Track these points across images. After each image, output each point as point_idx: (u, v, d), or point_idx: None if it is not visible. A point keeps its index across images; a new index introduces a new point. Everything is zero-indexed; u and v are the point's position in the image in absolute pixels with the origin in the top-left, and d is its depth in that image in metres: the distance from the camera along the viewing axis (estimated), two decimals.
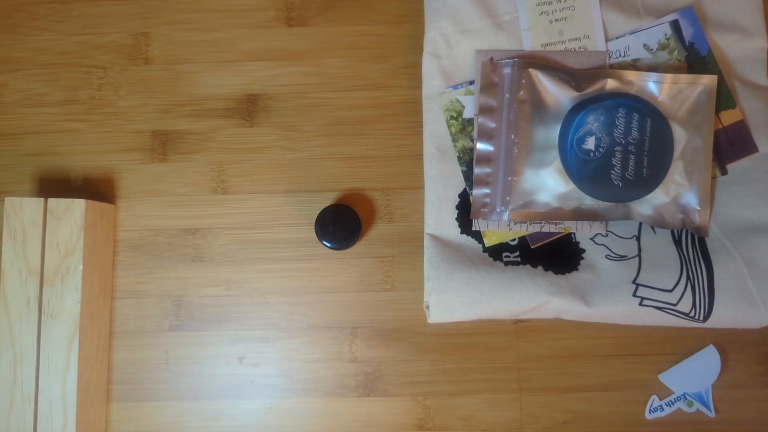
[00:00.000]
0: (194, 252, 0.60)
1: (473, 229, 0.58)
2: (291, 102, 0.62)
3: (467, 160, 0.59)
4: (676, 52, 0.58)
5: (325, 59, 0.62)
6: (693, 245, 0.57)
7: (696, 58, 0.58)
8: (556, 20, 0.59)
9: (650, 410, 0.58)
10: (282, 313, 0.60)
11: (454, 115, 0.59)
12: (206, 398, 0.59)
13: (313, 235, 0.60)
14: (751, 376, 0.58)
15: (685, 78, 0.57)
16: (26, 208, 0.55)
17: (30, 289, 0.55)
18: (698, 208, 0.56)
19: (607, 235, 0.58)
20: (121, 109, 0.62)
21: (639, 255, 0.57)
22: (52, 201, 0.55)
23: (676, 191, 0.56)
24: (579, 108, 0.56)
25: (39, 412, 0.54)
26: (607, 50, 0.59)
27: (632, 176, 0.56)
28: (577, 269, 0.57)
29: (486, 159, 0.57)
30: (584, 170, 0.56)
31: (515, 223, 0.57)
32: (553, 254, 0.57)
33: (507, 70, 0.57)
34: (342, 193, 0.61)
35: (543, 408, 0.58)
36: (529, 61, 0.57)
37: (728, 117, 0.58)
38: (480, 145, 0.57)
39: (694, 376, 0.58)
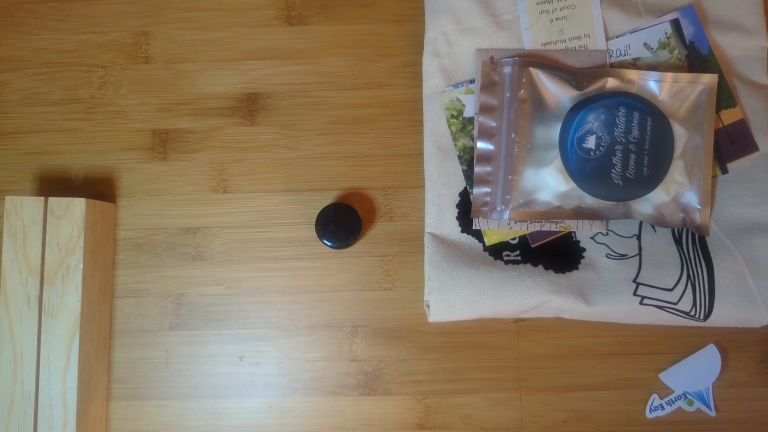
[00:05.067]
0: (194, 251, 0.60)
1: (474, 228, 0.58)
2: (291, 101, 0.62)
3: (468, 159, 0.59)
4: (676, 51, 0.58)
5: (325, 58, 0.62)
6: (693, 244, 0.57)
7: (696, 57, 0.58)
8: (557, 19, 0.59)
9: (651, 409, 0.58)
10: (282, 312, 0.60)
11: (455, 114, 0.59)
12: (206, 397, 0.59)
13: (314, 234, 0.60)
14: (752, 375, 0.58)
15: (685, 77, 0.57)
16: (27, 207, 0.55)
17: (30, 288, 0.55)
18: (699, 207, 0.56)
19: (607, 234, 0.58)
20: (122, 108, 0.62)
21: (639, 254, 0.57)
22: (52, 200, 0.55)
23: (677, 190, 0.56)
24: (579, 107, 0.56)
25: (39, 411, 0.54)
26: (608, 49, 0.59)
27: (633, 175, 0.56)
28: (577, 268, 0.57)
29: (486, 158, 0.57)
30: (585, 169, 0.56)
31: (516, 222, 0.57)
32: (554, 253, 0.57)
33: (507, 69, 0.57)
34: (342, 192, 0.61)
35: (543, 407, 0.58)
36: (529, 60, 0.57)
37: (729, 116, 0.58)
38: (480, 144, 0.57)
39: (695, 375, 0.58)
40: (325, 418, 0.59)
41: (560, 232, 0.58)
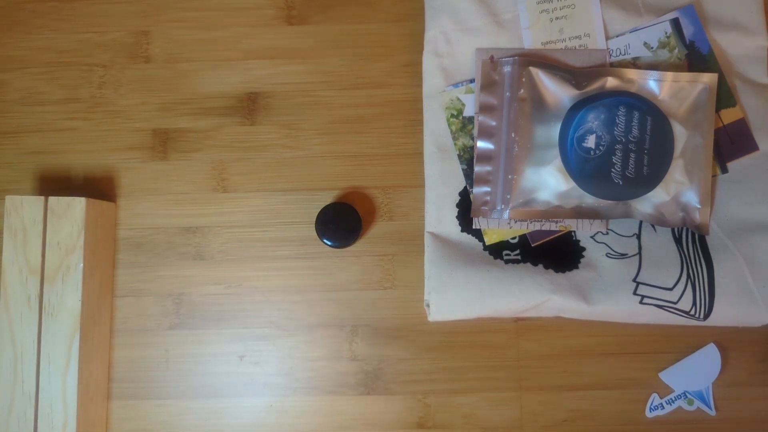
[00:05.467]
0: (195, 250, 0.60)
1: (474, 227, 0.58)
2: (291, 100, 0.62)
3: (468, 158, 0.59)
4: (676, 51, 0.58)
5: (325, 57, 0.62)
6: (693, 243, 0.57)
7: (696, 57, 0.58)
8: (557, 18, 0.59)
9: (651, 408, 0.58)
10: (282, 311, 0.60)
11: (455, 113, 0.59)
12: (206, 396, 0.59)
13: (314, 233, 0.60)
14: (752, 375, 0.58)
15: (685, 76, 0.57)
16: (27, 207, 0.55)
17: (30, 288, 0.55)
18: (699, 206, 0.56)
19: (607, 234, 0.58)
20: (122, 107, 0.62)
21: (639, 253, 0.57)
22: (52, 199, 0.55)
23: (677, 189, 0.56)
24: (579, 106, 0.56)
25: (39, 411, 0.54)
26: (608, 48, 0.59)
27: (633, 174, 0.56)
28: (577, 267, 0.57)
29: (486, 157, 0.57)
30: (585, 168, 0.56)
31: (515, 222, 0.57)
32: (554, 252, 0.57)
33: (507, 69, 0.57)
34: (342, 191, 0.61)
35: (543, 406, 0.58)
36: (529, 59, 0.57)
37: (729, 115, 0.58)
38: (480, 144, 0.57)
39: (695, 374, 0.58)
40: (325, 417, 0.59)
41: (560, 231, 0.58)
